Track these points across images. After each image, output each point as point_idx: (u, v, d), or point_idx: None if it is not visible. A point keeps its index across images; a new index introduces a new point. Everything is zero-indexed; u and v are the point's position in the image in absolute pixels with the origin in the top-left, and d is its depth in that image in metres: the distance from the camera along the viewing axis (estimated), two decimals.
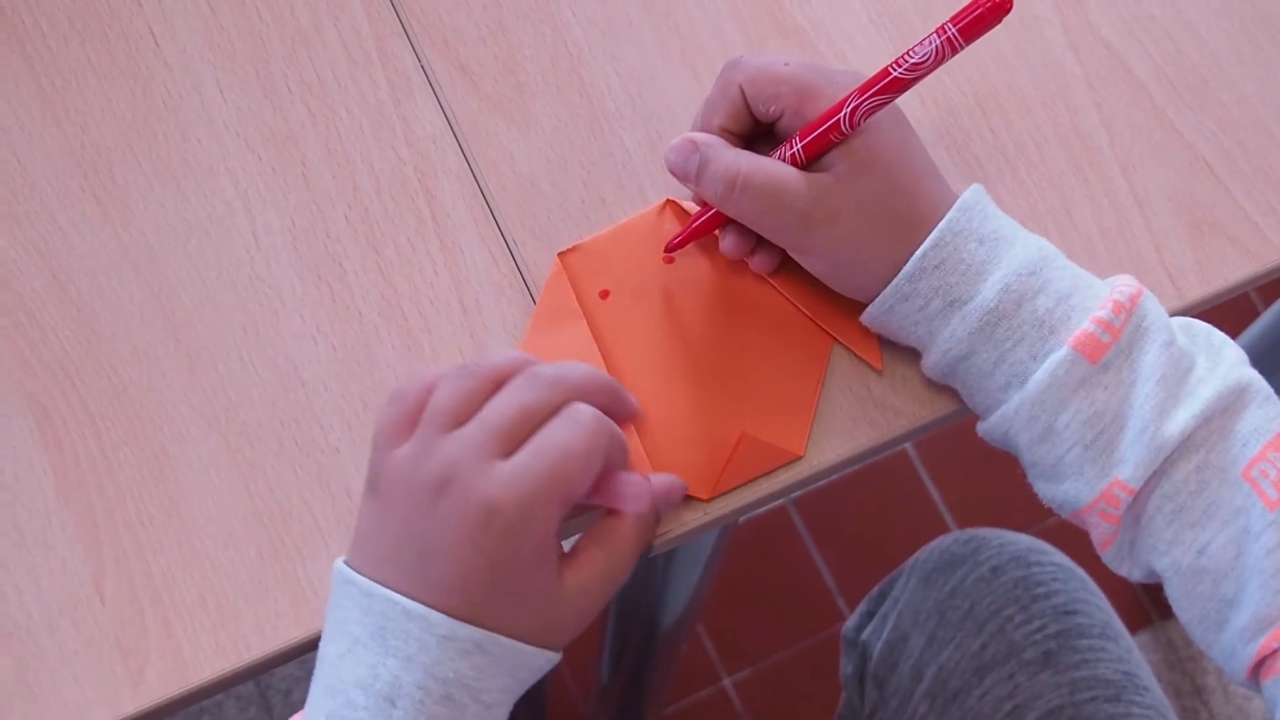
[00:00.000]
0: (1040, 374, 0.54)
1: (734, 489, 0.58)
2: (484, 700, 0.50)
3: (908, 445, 1.44)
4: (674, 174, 0.57)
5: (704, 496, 0.57)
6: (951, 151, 0.63)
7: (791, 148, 0.56)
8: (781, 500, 1.42)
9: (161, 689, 0.54)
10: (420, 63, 0.63)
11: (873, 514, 1.43)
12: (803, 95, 0.56)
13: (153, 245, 0.60)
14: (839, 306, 0.59)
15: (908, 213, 0.55)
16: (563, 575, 0.51)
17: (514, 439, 0.50)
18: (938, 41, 0.54)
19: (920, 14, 0.65)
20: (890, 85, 0.55)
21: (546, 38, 0.64)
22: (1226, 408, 0.54)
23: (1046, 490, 0.58)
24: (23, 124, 0.61)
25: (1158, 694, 0.79)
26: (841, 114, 0.54)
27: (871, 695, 0.86)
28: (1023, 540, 0.85)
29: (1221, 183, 0.63)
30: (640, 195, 0.62)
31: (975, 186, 0.56)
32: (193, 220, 0.60)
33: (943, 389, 0.60)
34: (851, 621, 0.90)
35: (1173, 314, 0.62)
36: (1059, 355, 0.54)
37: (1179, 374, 0.54)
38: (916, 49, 0.54)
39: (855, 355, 0.59)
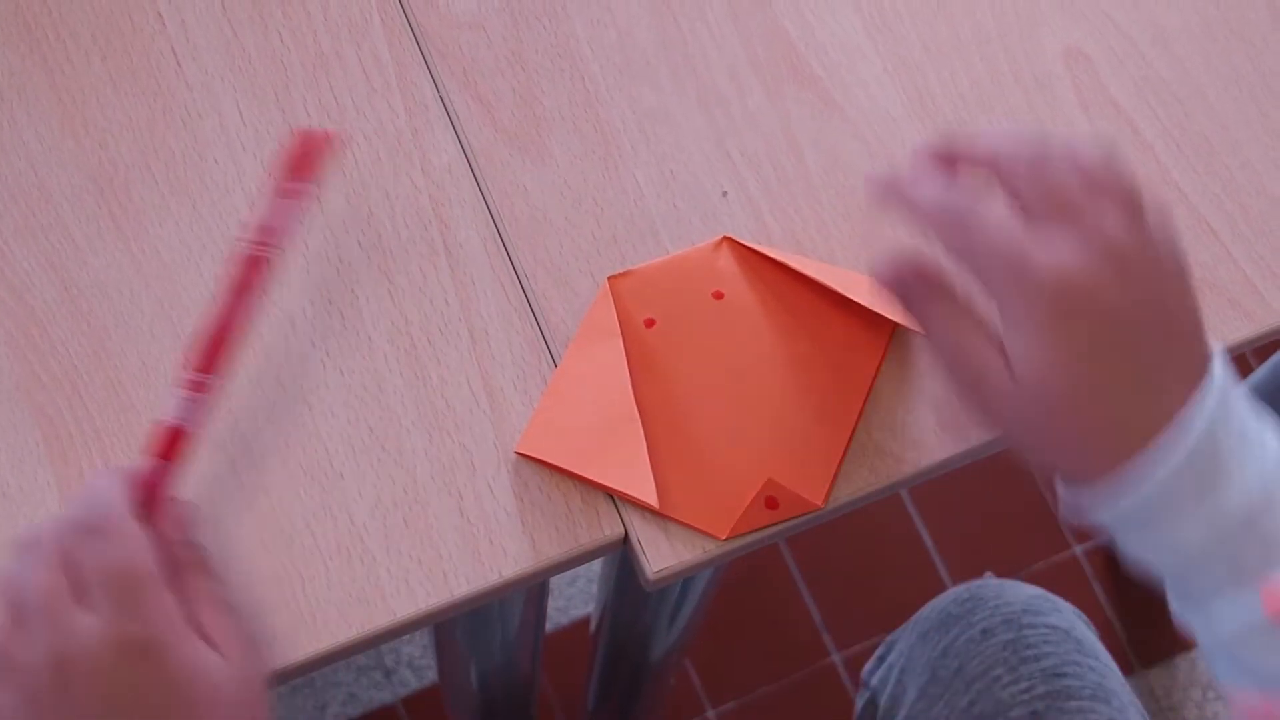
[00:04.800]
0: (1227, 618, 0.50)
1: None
2: None
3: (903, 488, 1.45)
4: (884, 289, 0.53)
5: (720, 535, 0.58)
6: None
7: None
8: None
9: None
10: (439, 93, 0.64)
11: (863, 552, 1.44)
12: None
13: (166, 263, 0.60)
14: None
15: (1077, 438, 0.50)
16: (225, 667, 0.50)
17: (78, 591, 0.49)
18: (279, 201, 0.53)
19: (934, 64, 0.66)
20: (254, 265, 0.52)
21: (565, 74, 0.65)
22: None
23: (1212, 660, 0.54)
24: (41, 137, 0.62)
25: None
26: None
27: None
28: (1020, 599, 0.85)
29: (1223, 245, 0.64)
30: (651, 234, 0.62)
31: (1219, 362, 0.50)
32: (206, 240, 0.61)
33: (941, 439, 0.60)
34: (868, 665, 0.92)
35: None
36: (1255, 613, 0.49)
37: None
38: (256, 217, 0.53)
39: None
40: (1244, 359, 1.53)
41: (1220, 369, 0.50)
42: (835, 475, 0.59)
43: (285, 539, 0.57)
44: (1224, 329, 0.63)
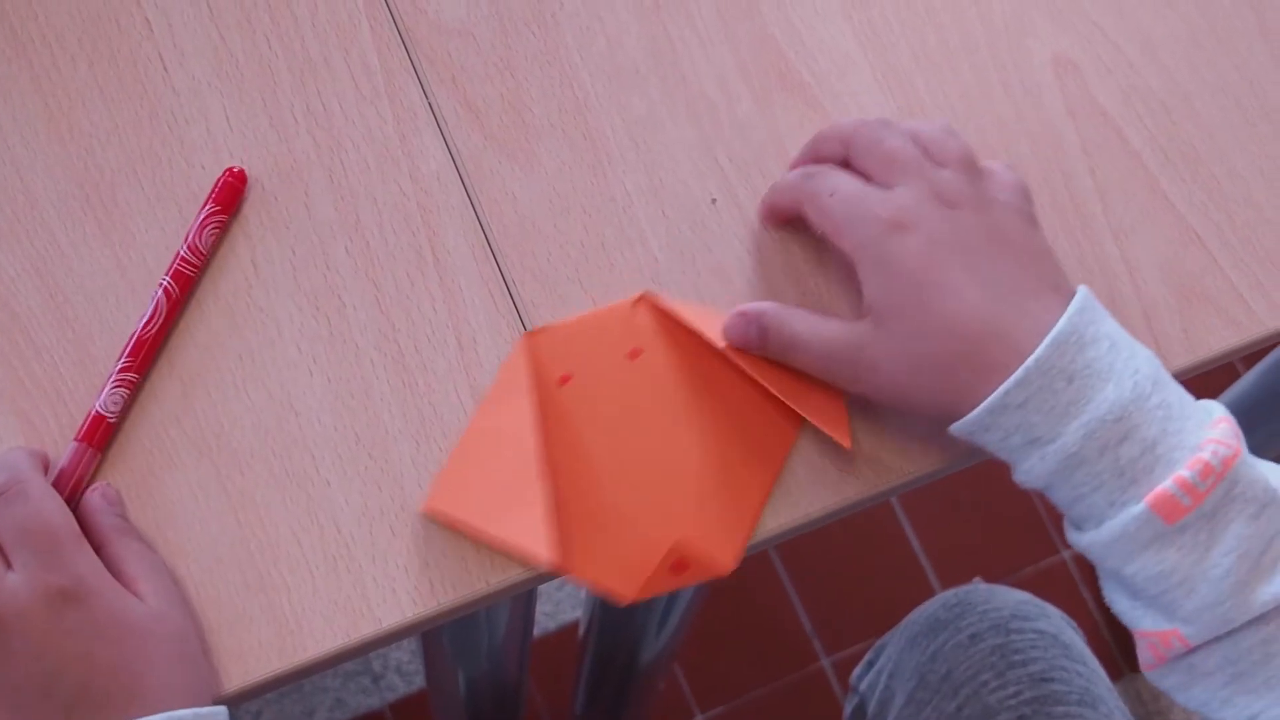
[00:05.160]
0: (1112, 525, 0.53)
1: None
2: None
3: (893, 495, 1.45)
4: (736, 343, 0.58)
5: (626, 598, 0.57)
6: None
7: None
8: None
9: None
10: (427, 99, 0.64)
11: (852, 557, 1.44)
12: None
13: (152, 269, 0.60)
14: (810, 385, 0.59)
15: (951, 354, 0.54)
16: (144, 605, 0.53)
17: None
18: (201, 228, 0.59)
19: (923, 72, 0.66)
20: (179, 278, 0.59)
21: (554, 81, 0.65)
22: None
23: (1107, 589, 0.58)
24: (27, 142, 0.62)
25: None
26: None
27: None
28: (1009, 604, 0.85)
29: (1210, 254, 0.64)
30: (640, 240, 0.62)
31: (1080, 297, 0.54)
32: None
33: (930, 448, 0.60)
34: (857, 670, 0.92)
35: None
36: (1134, 511, 0.53)
37: (1263, 549, 0.52)
38: (190, 244, 0.59)
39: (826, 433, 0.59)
40: (1232, 367, 1.53)
41: (1084, 295, 0.55)
42: (747, 538, 0.58)
43: (271, 546, 0.57)
44: (1211, 338, 0.63)
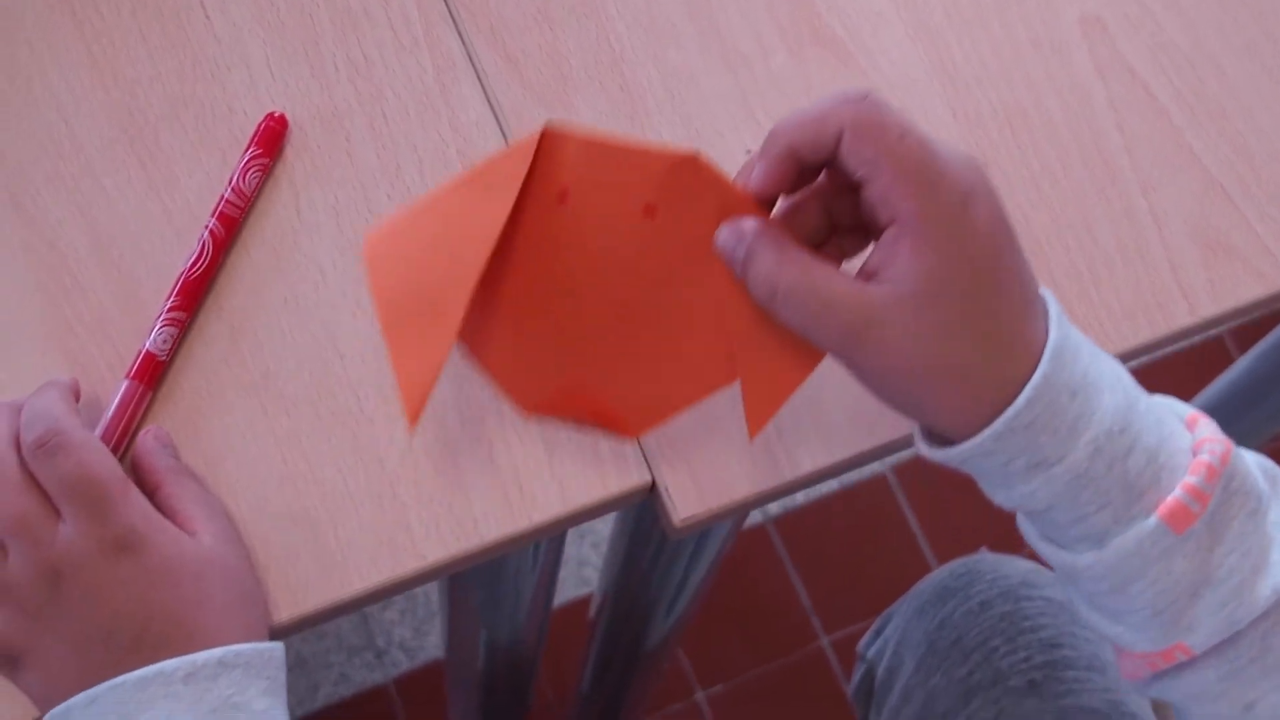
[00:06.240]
0: (1124, 543, 0.50)
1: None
2: (257, 709, 0.51)
3: (887, 470, 1.46)
4: (721, 256, 0.52)
5: (525, 410, 0.58)
6: None
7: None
8: (762, 521, 1.44)
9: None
10: (467, 50, 0.64)
11: (850, 536, 1.45)
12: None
13: (196, 214, 0.61)
14: (783, 340, 0.53)
15: (976, 354, 0.49)
16: (200, 545, 0.53)
17: (48, 506, 0.52)
18: (245, 171, 0.60)
19: (955, 30, 0.67)
20: (225, 220, 0.59)
21: (591, 33, 0.65)
22: None
23: (1093, 619, 0.55)
24: (72, 89, 0.62)
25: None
26: None
27: (872, 713, 0.88)
28: (1018, 571, 0.86)
29: (1236, 207, 0.65)
30: None
31: (1054, 309, 0.50)
32: None
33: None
34: (865, 638, 0.92)
35: (1185, 331, 0.64)
36: (1146, 526, 0.50)
37: (1263, 545, 0.51)
38: (234, 186, 0.60)
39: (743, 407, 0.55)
40: (1224, 349, 1.55)
41: (1052, 298, 0.51)
42: (662, 420, 0.56)
43: (317, 484, 0.57)
44: (1237, 290, 0.64)
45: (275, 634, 0.56)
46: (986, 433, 0.49)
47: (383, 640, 1.39)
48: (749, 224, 0.51)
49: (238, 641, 0.52)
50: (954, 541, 1.44)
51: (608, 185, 0.52)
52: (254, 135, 0.61)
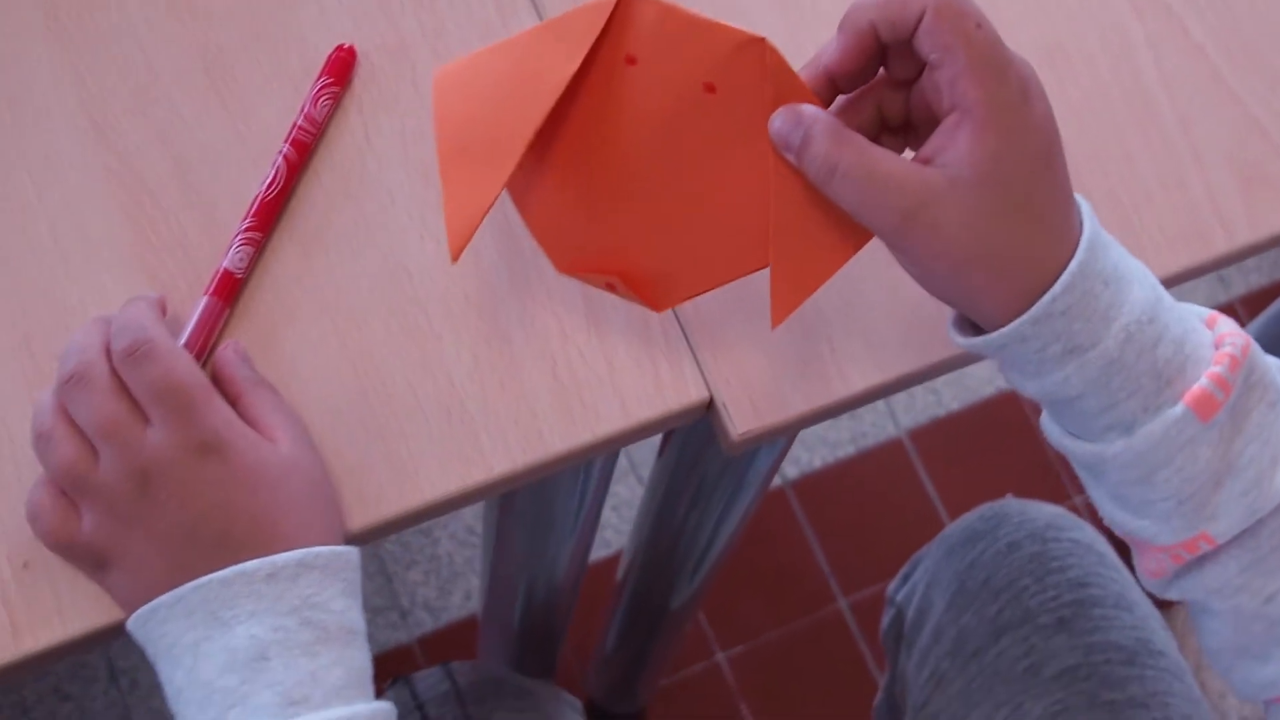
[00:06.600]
0: (1152, 430, 0.52)
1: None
2: (335, 608, 0.53)
3: (903, 435, 1.48)
4: (775, 141, 0.52)
5: (558, 268, 0.58)
6: None
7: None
8: (780, 485, 1.46)
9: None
10: None
11: (867, 500, 1.47)
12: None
13: (269, 140, 0.63)
14: (817, 230, 0.54)
15: (1022, 241, 0.51)
16: (279, 452, 0.55)
17: (138, 411, 0.54)
18: (316, 98, 0.62)
19: None
20: (297, 145, 0.61)
21: None
22: None
23: (1117, 516, 0.57)
24: (149, 20, 0.64)
25: (1174, 658, 0.82)
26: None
27: (902, 654, 0.90)
28: (1044, 515, 0.88)
29: (1271, 141, 0.68)
30: None
31: (1086, 208, 0.53)
32: None
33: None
34: (893, 583, 0.94)
35: (1223, 259, 0.66)
36: (1174, 414, 0.52)
37: None
38: (306, 113, 0.62)
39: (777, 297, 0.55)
40: (1234, 313, 1.57)
41: (1081, 199, 0.53)
42: (688, 298, 0.57)
43: (387, 396, 0.60)
44: (1273, 218, 0.66)
45: (350, 541, 0.58)
46: (1026, 316, 0.51)
47: (407, 600, 1.40)
48: (807, 109, 0.52)
49: (317, 544, 0.54)
50: (969, 505, 1.46)
51: (675, 56, 0.53)
52: (324, 65, 0.63)
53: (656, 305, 0.58)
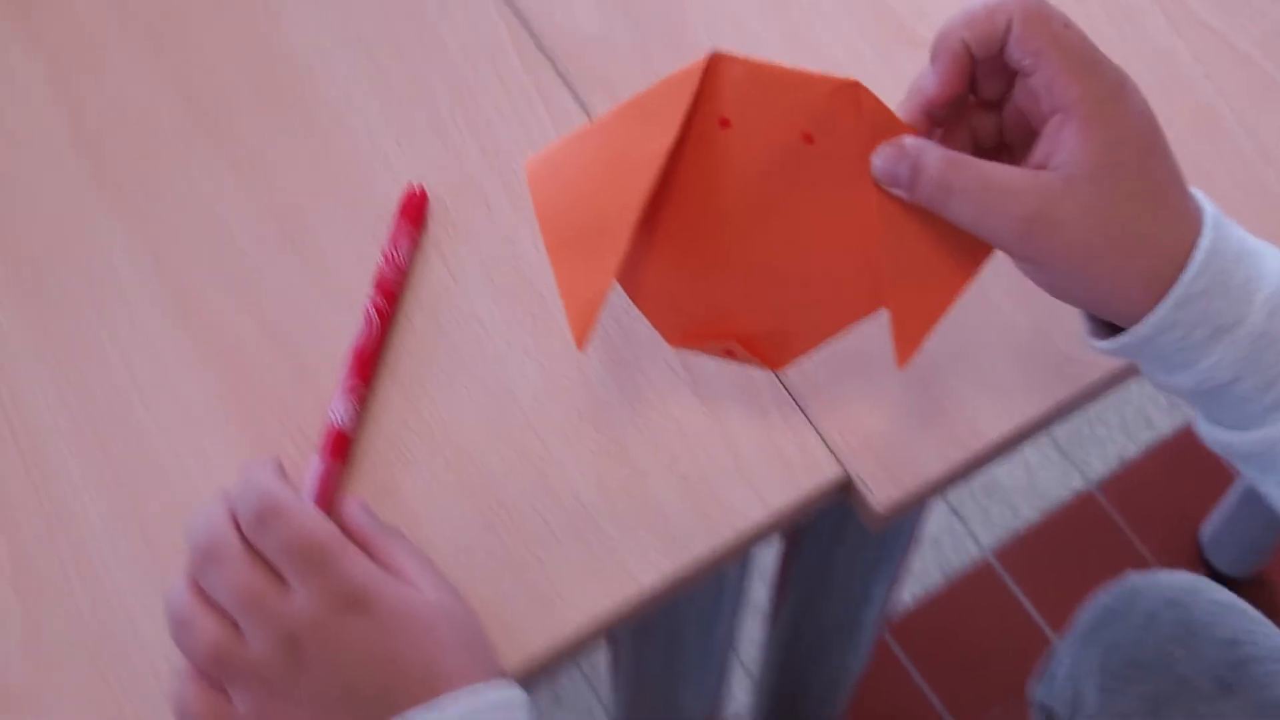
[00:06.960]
0: None
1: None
2: None
3: (989, 556, 1.45)
4: (881, 179, 0.52)
5: (671, 343, 0.57)
6: None
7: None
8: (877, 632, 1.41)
9: None
10: (579, 101, 0.67)
11: (963, 627, 1.43)
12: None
13: (353, 290, 0.62)
14: (929, 264, 0.53)
15: (1145, 226, 0.50)
16: (424, 595, 0.53)
17: (276, 576, 0.51)
18: (395, 243, 0.62)
19: None
20: (385, 292, 0.61)
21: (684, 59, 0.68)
22: None
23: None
24: (219, 186, 0.64)
25: None
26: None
27: None
28: (1176, 581, 0.85)
29: None
30: None
31: (1201, 194, 0.52)
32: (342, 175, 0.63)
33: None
34: (1032, 682, 0.91)
35: None
36: None
37: None
38: (388, 257, 0.62)
39: (892, 339, 0.54)
40: None
41: (1211, 208, 0.52)
42: (806, 351, 0.56)
43: (514, 526, 0.57)
44: None
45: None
46: (1169, 300, 0.50)
47: None
48: (909, 139, 0.52)
49: (477, 683, 0.51)
50: (1067, 611, 1.42)
51: (769, 111, 0.53)
52: (399, 208, 0.63)
53: (774, 364, 0.56)
